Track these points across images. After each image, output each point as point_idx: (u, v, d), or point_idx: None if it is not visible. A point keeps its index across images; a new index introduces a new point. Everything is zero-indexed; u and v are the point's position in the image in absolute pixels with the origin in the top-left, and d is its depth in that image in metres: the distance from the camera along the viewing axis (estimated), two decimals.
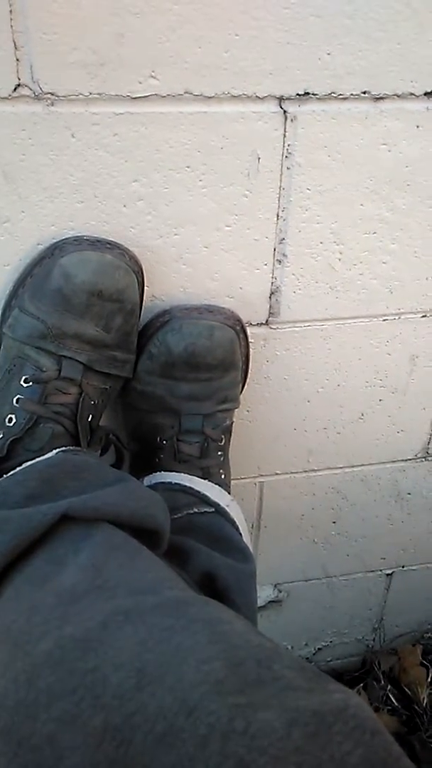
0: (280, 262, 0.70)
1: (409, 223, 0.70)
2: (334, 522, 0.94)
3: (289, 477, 0.87)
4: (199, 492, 0.66)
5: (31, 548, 0.47)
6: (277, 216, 0.67)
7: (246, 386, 0.75)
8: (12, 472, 0.57)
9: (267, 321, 0.73)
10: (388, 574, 1.04)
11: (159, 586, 0.44)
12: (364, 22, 0.59)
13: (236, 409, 0.72)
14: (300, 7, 0.57)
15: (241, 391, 0.73)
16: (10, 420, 0.60)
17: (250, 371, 0.74)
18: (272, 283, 0.71)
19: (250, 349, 0.73)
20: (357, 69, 0.61)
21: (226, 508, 0.67)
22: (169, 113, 0.60)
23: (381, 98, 0.63)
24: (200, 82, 0.59)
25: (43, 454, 0.59)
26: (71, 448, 0.61)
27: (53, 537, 0.48)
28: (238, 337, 0.68)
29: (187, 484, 0.67)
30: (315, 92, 0.61)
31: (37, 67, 0.56)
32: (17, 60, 0.55)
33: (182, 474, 0.67)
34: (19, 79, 0.56)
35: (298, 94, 0.61)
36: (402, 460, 0.90)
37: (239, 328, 0.69)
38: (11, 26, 0.54)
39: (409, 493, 0.94)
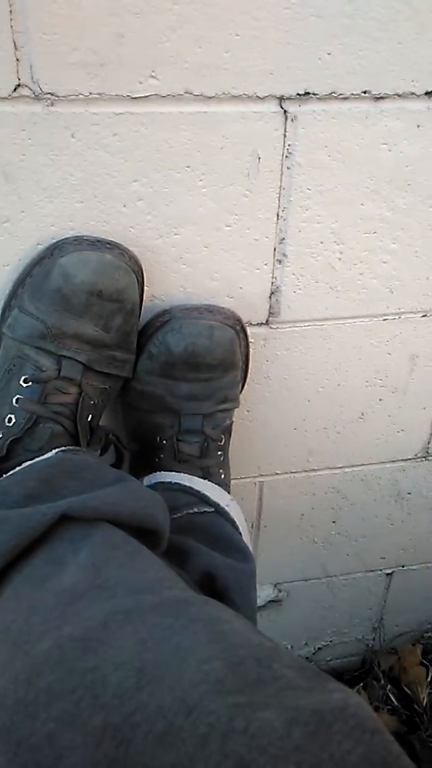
0: (280, 261, 0.70)
1: (409, 223, 0.70)
2: (333, 522, 0.94)
3: (289, 477, 0.87)
4: (198, 492, 0.66)
5: (30, 548, 0.47)
6: (278, 216, 0.67)
7: (246, 386, 0.75)
8: (11, 472, 0.57)
9: (267, 321, 0.73)
10: (388, 574, 1.04)
11: (159, 586, 0.44)
12: (364, 22, 0.59)
13: (236, 409, 0.72)
14: (300, 7, 0.57)
15: (241, 391, 0.73)
16: (10, 420, 0.60)
17: (250, 371, 0.74)
18: (272, 282, 0.71)
19: (250, 349, 0.73)
20: (357, 69, 0.61)
21: (226, 508, 0.67)
22: (170, 113, 0.60)
23: (381, 98, 0.63)
24: (200, 82, 0.59)
25: (43, 454, 0.59)
26: (71, 447, 0.61)
27: (53, 537, 0.48)
28: (238, 336, 0.68)
29: (187, 484, 0.67)
30: (315, 92, 0.61)
31: (37, 67, 0.56)
32: (17, 60, 0.55)
33: (182, 474, 0.68)
34: (19, 79, 0.56)
35: (298, 94, 0.61)
36: (402, 460, 0.90)
37: (239, 327, 0.69)
38: (11, 26, 0.54)
39: (409, 493, 0.94)
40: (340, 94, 0.62)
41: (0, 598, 0.45)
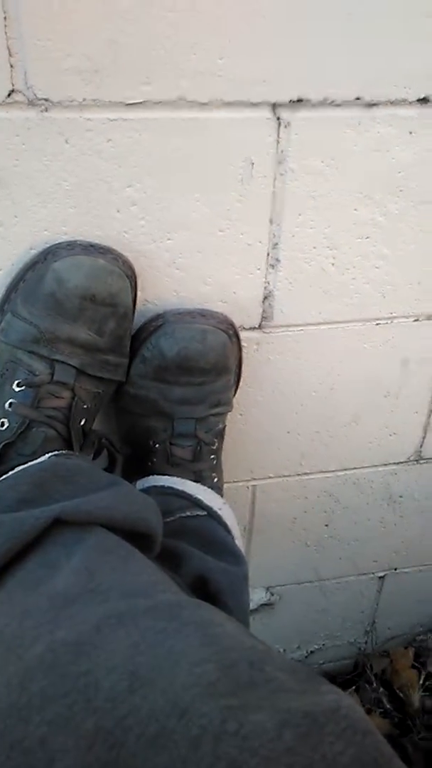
0: (273, 266, 0.70)
1: (401, 228, 0.71)
2: (326, 525, 0.95)
3: (281, 480, 0.87)
4: (191, 495, 0.67)
5: (23, 552, 0.47)
6: (271, 221, 0.67)
7: (239, 390, 0.75)
8: (4, 477, 0.57)
9: (260, 325, 0.74)
10: (380, 577, 1.04)
11: (151, 590, 0.44)
12: (357, 30, 0.59)
13: (229, 413, 0.72)
14: (294, 14, 0.58)
15: (234, 395, 0.74)
16: (3, 424, 0.60)
17: (243, 375, 0.74)
18: (265, 287, 0.71)
19: (243, 353, 0.73)
20: (350, 76, 0.61)
21: (219, 512, 0.67)
22: (163, 119, 0.60)
23: (374, 105, 0.64)
24: (194, 88, 0.59)
25: (36, 458, 0.59)
26: (64, 452, 0.61)
27: (46, 541, 0.48)
28: (231, 341, 0.68)
29: (180, 488, 0.67)
30: (309, 99, 0.62)
31: (31, 73, 0.56)
32: (11, 66, 0.55)
33: (175, 477, 0.68)
34: (13, 85, 0.56)
35: (291, 101, 0.62)
36: (394, 464, 0.91)
37: (232, 332, 0.69)
38: (5, 32, 0.54)
39: (401, 496, 0.95)
40: (333, 101, 0.62)
41: None
